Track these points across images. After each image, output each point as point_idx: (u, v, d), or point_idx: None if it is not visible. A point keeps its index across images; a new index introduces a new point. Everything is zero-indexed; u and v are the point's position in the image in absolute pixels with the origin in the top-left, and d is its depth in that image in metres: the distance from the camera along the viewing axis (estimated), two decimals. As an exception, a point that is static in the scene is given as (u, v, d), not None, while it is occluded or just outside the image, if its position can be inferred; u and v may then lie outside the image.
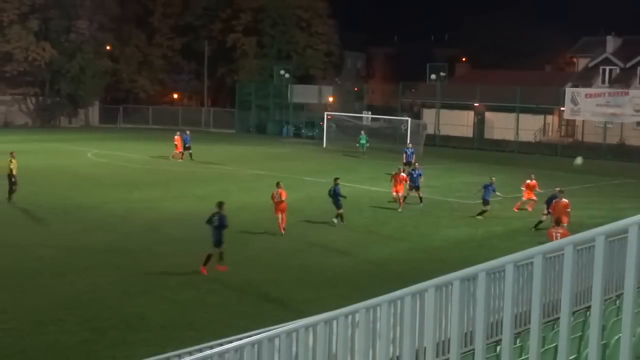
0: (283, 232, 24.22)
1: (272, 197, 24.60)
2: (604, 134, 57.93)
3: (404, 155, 42.22)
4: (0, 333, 14.43)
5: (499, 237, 24.91)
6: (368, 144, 51.25)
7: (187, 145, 45.62)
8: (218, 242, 19.44)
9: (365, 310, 5.92)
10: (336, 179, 26.83)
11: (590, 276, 3.70)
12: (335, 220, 26.04)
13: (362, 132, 52.93)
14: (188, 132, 46.99)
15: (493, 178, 29.00)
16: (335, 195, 26.26)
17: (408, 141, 48.74)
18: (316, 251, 22.29)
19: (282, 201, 24.27)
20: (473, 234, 25.38)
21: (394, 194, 29.87)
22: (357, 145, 51.05)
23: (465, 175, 41.40)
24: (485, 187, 28.33)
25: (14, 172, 28.52)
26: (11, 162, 28.58)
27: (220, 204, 19.95)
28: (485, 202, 28.14)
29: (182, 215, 27.45)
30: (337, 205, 26.14)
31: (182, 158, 45.10)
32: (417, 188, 30.52)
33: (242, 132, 73.16)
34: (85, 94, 75.33)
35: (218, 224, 19.39)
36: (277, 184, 24.90)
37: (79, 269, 19.42)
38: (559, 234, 18.94)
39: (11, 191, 28.58)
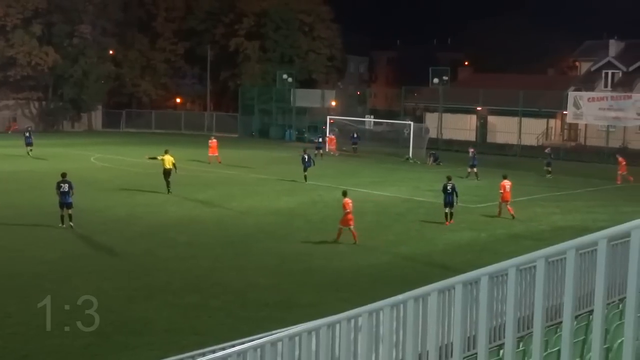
0: None
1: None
2: (607, 138, 57.90)
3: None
4: (5, 337, 14.46)
5: (501, 241, 24.90)
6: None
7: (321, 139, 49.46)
8: (449, 203, 27.10)
9: (368, 314, 5.93)
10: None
11: (593, 280, 3.70)
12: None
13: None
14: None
15: None
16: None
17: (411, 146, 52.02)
18: (319, 255, 22.28)
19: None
20: (476, 238, 25.37)
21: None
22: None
23: (467, 179, 41.38)
24: None
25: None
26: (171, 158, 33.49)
27: (449, 177, 28.06)
28: None
29: (185, 219, 27.46)
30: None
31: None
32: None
33: (245, 137, 73.21)
34: (88, 98, 75.40)
35: (451, 190, 27.03)
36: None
37: (83, 273, 19.45)
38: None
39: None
